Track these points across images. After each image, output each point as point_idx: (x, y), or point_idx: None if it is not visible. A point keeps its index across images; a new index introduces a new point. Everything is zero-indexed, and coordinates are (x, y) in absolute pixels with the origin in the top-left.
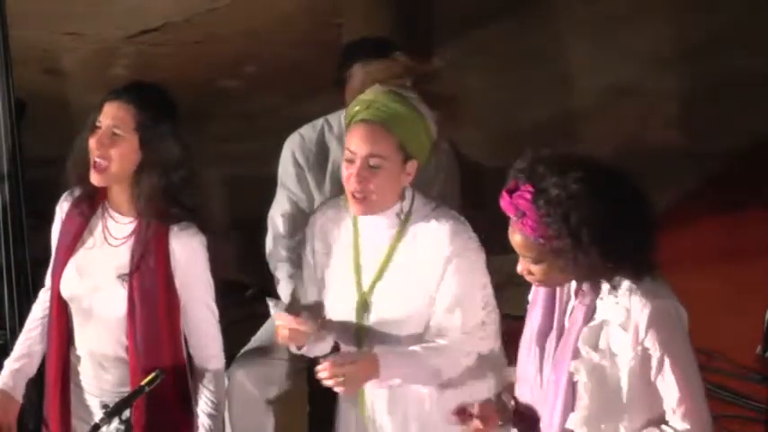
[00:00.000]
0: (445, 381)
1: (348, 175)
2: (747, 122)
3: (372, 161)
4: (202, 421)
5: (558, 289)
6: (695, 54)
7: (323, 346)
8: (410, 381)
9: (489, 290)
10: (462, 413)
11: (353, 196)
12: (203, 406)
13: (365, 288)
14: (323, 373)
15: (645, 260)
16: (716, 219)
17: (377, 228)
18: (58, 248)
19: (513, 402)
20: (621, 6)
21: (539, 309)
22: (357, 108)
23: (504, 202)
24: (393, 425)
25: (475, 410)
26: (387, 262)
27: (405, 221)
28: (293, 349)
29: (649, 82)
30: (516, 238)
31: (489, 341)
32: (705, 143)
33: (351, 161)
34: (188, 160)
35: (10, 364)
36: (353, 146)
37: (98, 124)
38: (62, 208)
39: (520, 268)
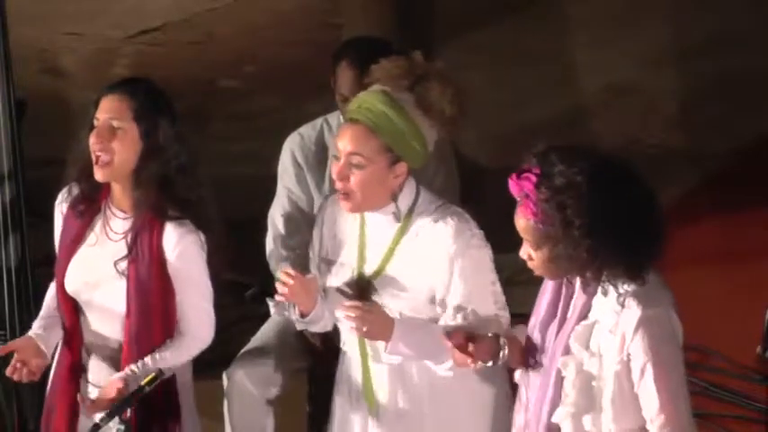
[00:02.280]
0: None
1: (334, 173)
2: (747, 122)
3: (354, 160)
4: (145, 360)
5: (565, 280)
6: (695, 54)
7: (323, 324)
8: (416, 357)
9: (498, 286)
10: (456, 343)
11: (340, 194)
12: (156, 353)
13: (366, 280)
14: (351, 311)
15: (639, 263)
16: (716, 219)
17: (381, 222)
18: (60, 246)
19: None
20: (621, 6)
21: (546, 298)
22: (352, 106)
23: (512, 182)
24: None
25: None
26: (389, 256)
27: (408, 218)
28: (294, 317)
29: (649, 82)
30: (519, 221)
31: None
32: (705, 143)
33: (337, 158)
34: (184, 152)
35: (37, 323)
36: (340, 144)
37: (95, 122)
38: (60, 207)
39: (522, 252)
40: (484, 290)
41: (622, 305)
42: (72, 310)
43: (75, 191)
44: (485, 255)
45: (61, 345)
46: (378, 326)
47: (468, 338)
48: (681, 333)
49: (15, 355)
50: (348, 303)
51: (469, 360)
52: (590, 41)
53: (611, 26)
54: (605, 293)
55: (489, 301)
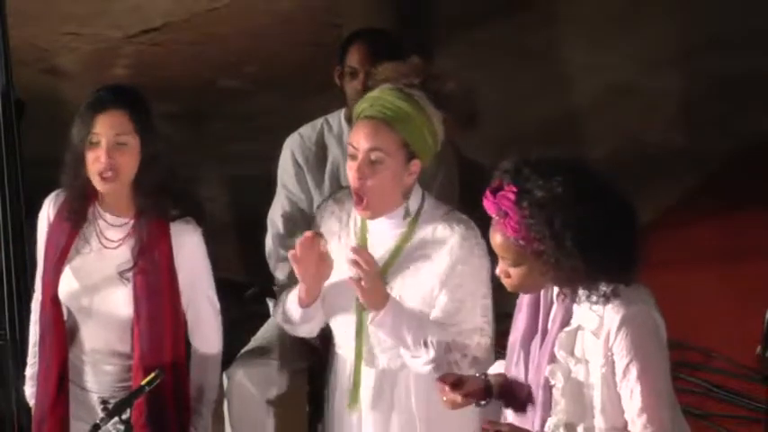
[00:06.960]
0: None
1: (351, 172)
2: (747, 122)
3: (374, 155)
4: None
5: (542, 292)
6: (695, 54)
7: (311, 327)
8: (398, 335)
9: (489, 300)
10: (447, 383)
11: (356, 196)
12: (204, 390)
13: None
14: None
15: (627, 269)
16: (716, 219)
17: (384, 226)
18: (48, 255)
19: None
20: (621, 6)
21: (524, 313)
22: (363, 105)
23: (488, 201)
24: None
25: (462, 387)
26: (392, 262)
27: (413, 223)
28: (279, 317)
29: (649, 82)
30: (497, 238)
31: (483, 348)
32: (705, 143)
33: (353, 157)
34: (168, 152)
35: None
36: (356, 141)
37: (95, 139)
38: (47, 213)
39: (498, 270)
40: (475, 300)
41: (604, 307)
42: (59, 319)
43: (61, 198)
44: (484, 266)
45: (45, 357)
46: (376, 291)
47: (458, 380)
48: (664, 330)
49: None
50: (360, 255)
51: (459, 398)
52: (590, 41)
53: (611, 26)
54: (588, 298)
55: (477, 313)
